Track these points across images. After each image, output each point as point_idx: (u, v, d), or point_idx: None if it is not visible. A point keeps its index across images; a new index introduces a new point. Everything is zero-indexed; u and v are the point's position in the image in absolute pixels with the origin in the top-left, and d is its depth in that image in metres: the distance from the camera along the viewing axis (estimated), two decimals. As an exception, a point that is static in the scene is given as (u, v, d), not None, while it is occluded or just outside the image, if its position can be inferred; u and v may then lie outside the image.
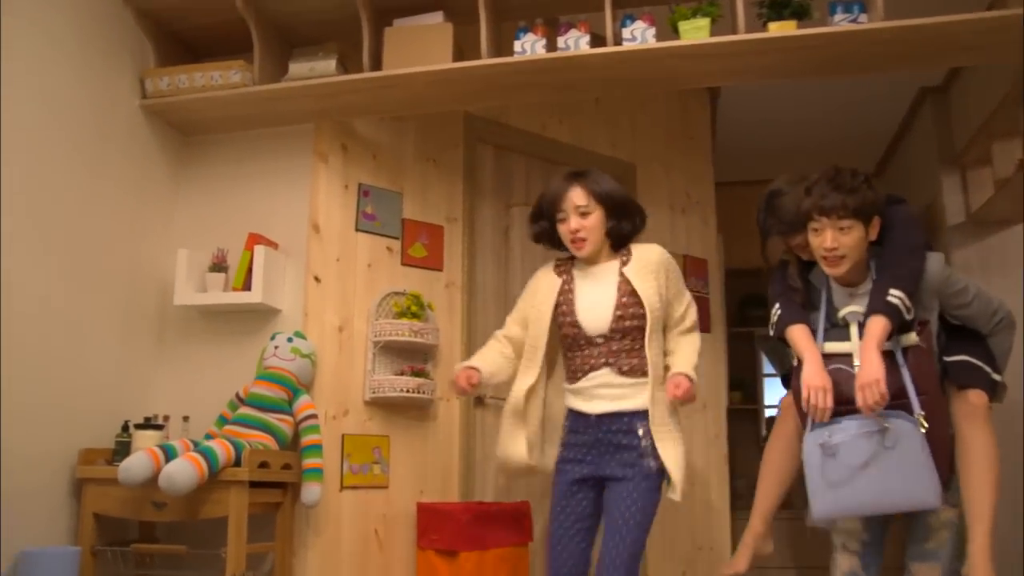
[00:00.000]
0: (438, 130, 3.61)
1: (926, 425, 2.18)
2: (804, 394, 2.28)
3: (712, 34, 2.80)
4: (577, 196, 2.57)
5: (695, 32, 2.80)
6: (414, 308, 3.28)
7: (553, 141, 3.98)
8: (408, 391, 3.16)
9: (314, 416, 2.95)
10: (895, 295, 2.26)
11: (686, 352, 2.55)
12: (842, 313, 2.41)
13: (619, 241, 2.64)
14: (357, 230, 3.32)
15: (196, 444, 2.68)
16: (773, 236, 2.63)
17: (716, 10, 2.84)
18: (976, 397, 2.36)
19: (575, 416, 2.58)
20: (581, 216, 2.56)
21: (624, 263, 2.59)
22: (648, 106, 4.35)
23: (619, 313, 2.51)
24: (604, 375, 2.51)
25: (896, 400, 2.23)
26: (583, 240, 2.57)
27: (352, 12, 3.09)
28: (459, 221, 3.61)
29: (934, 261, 2.36)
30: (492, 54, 2.99)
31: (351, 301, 3.25)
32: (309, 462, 2.89)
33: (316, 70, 3.10)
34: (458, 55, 3.01)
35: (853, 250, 2.34)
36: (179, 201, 3.39)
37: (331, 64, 3.09)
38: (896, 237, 2.38)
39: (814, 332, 2.43)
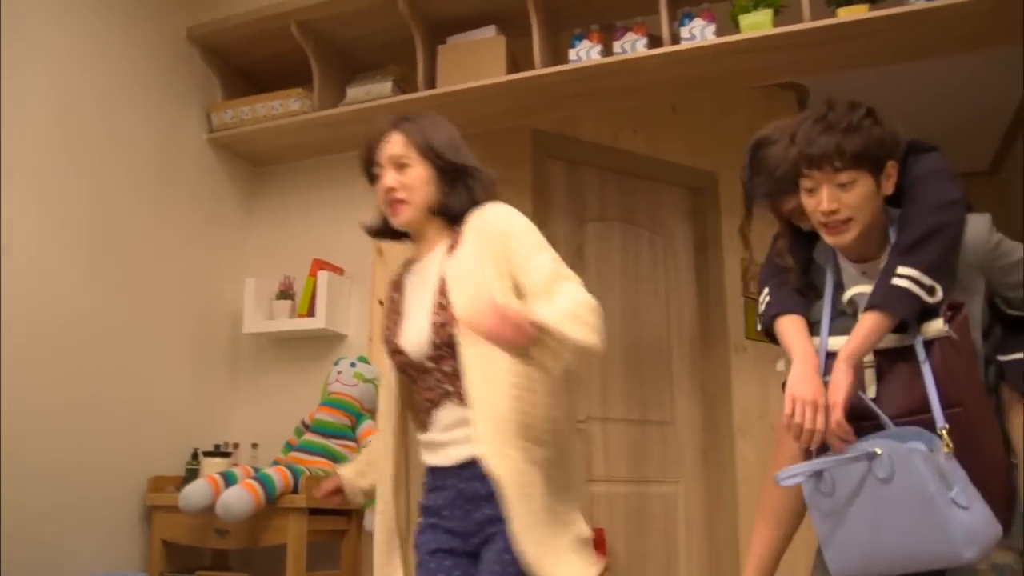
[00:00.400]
0: (503, 147, 3.54)
1: (950, 445, 1.51)
2: (787, 409, 1.62)
3: (776, 25, 2.63)
4: (395, 144, 1.84)
5: (757, 24, 2.63)
6: (481, 329, 3.19)
7: (628, 152, 3.85)
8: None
9: (378, 441, 2.90)
10: (905, 275, 1.61)
11: (549, 307, 1.57)
12: (847, 296, 1.75)
13: (453, 218, 1.84)
14: (422, 252, 3.28)
15: (256, 471, 2.67)
16: (760, 201, 1.91)
17: (779, 0, 2.66)
18: None
19: (432, 472, 1.80)
20: (398, 170, 1.82)
21: (450, 249, 1.81)
22: (729, 111, 4.15)
23: (439, 322, 1.73)
24: (450, 411, 1.74)
25: (918, 415, 1.59)
26: (400, 202, 1.81)
27: (407, 34, 3.07)
28: (528, 239, 3.52)
29: (976, 224, 1.68)
30: (548, 65, 2.91)
31: (417, 324, 3.20)
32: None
33: (372, 93, 3.09)
34: (513, 69, 2.94)
35: (860, 210, 1.66)
36: (249, 230, 3.44)
37: (387, 86, 3.08)
38: (917, 193, 1.71)
39: (816, 325, 1.78)
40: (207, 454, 2.86)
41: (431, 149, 1.81)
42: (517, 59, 2.99)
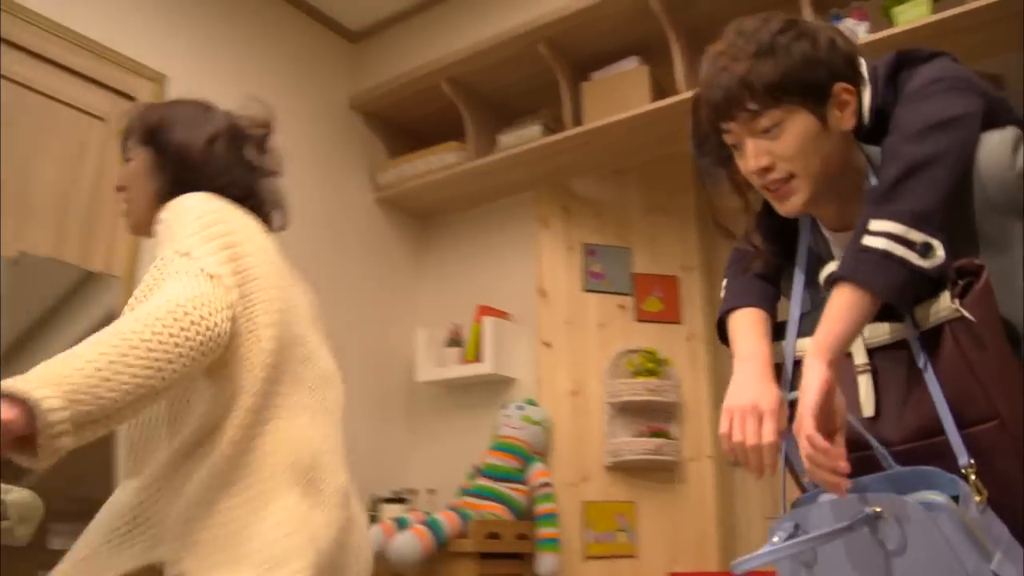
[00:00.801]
0: (664, 178, 3.46)
1: (983, 492, 1.01)
2: (721, 427, 1.16)
3: (935, 12, 2.41)
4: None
5: (911, 12, 2.42)
6: (649, 365, 3.11)
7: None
8: (647, 452, 2.99)
9: (548, 484, 2.89)
10: (879, 231, 1.10)
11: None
12: (822, 276, 1.24)
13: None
14: (585, 291, 3.26)
15: (427, 516, 2.73)
16: (710, 177, 1.40)
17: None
18: None
19: None
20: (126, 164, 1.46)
21: None
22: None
23: None
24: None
25: (933, 436, 1.08)
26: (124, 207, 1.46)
27: (551, 77, 3.11)
28: (695, 269, 3.40)
29: (991, 143, 1.14)
30: (693, 88, 2.82)
31: (583, 363, 3.17)
32: (544, 532, 2.82)
33: (523, 137, 3.14)
34: (659, 97, 2.89)
35: (800, 160, 1.17)
36: (417, 281, 3.58)
37: (536, 130, 3.12)
38: (901, 117, 1.19)
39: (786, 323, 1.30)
40: (385, 500, 2.96)
41: (150, 129, 1.43)
42: (663, 86, 2.93)
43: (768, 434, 1.10)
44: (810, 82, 1.16)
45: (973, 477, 1.02)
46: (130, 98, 2.58)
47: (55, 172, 2.41)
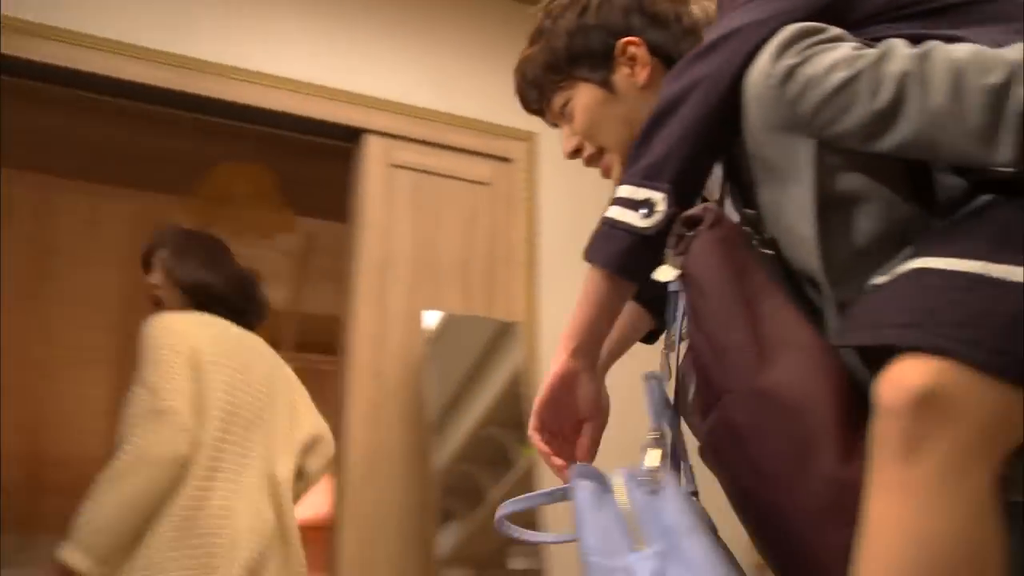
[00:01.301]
0: None
1: (694, 490, 0.96)
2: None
3: None
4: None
5: None
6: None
7: None
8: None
9: None
10: (616, 196, 0.97)
11: None
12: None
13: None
14: None
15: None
16: None
17: None
18: (909, 373, 0.71)
19: None
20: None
21: None
22: None
23: None
24: None
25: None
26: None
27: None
28: None
29: (759, 59, 0.88)
30: None
31: None
32: None
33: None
34: None
35: (597, 131, 1.13)
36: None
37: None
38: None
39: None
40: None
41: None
42: None
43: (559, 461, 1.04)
44: (580, 52, 1.11)
45: (659, 453, 0.92)
46: (507, 160, 2.85)
47: (455, 238, 2.72)
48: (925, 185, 0.83)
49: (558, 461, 1.02)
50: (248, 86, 2.50)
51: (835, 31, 0.86)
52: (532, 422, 1.04)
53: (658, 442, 0.94)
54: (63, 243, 3.72)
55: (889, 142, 0.79)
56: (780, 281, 0.90)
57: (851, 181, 0.83)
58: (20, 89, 2.43)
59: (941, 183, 0.83)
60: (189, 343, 1.71)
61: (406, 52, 2.80)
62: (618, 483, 0.90)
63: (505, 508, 0.98)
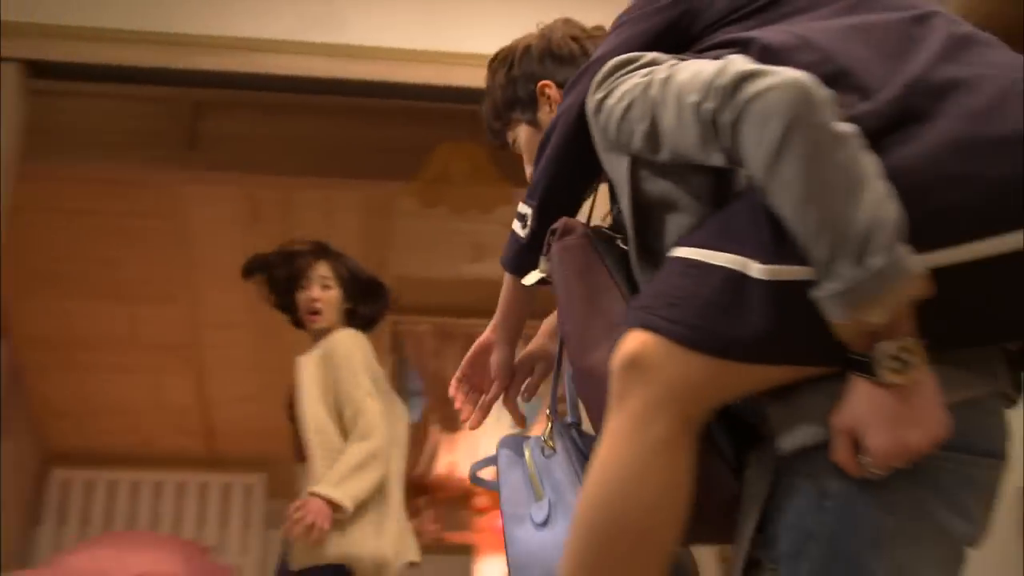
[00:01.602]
0: None
1: (552, 445, 1.14)
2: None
3: None
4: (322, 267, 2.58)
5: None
6: None
7: None
8: None
9: None
10: (517, 213, 1.21)
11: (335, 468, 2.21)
12: None
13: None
14: None
15: None
16: None
17: None
18: (627, 343, 0.91)
19: None
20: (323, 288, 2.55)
21: None
22: None
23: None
24: None
25: None
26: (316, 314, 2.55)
27: None
28: None
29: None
30: None
31: None
32: None
33: None
34: None
35: (534, 159, 1.24)
36: None
37: None
38: None
39: None
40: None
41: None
42: None
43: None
44: (512, 100, 1.32)
45: (549, 425, 1.16)
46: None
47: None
48: (729, 185, 0.94)
49: (465, 409, 1.33)
50: (458, 68, 2.58)
51: (648, 57, 1.00)
52: (456, 375, 1.33)
53: (550, 415, 1.17)
54: (306, 236, 4.05)
55: (664, 155, 0.94)
56: (623, 276, 1.05)
57: (660, 187, 0.97)
58: (263, 101, 2.68)
59: (738, 183, 0.93)
60: None
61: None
62: (527, 449, 1.15)
63: (473, 468, 1.27)
